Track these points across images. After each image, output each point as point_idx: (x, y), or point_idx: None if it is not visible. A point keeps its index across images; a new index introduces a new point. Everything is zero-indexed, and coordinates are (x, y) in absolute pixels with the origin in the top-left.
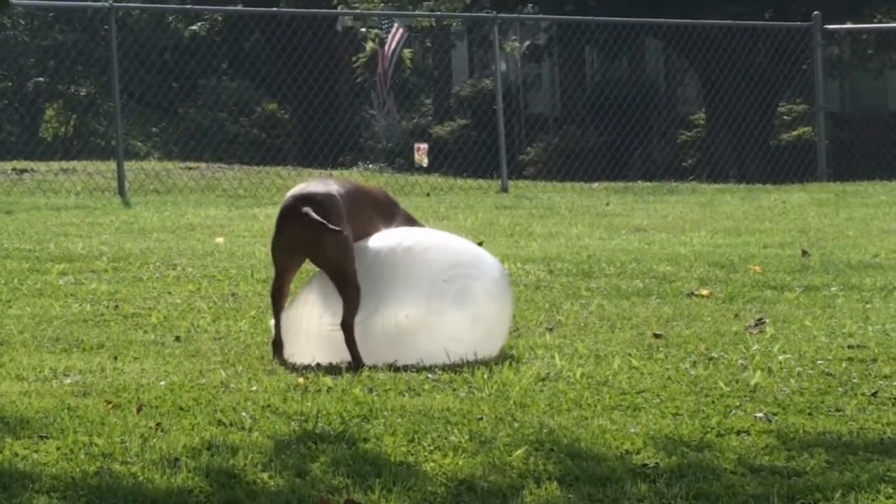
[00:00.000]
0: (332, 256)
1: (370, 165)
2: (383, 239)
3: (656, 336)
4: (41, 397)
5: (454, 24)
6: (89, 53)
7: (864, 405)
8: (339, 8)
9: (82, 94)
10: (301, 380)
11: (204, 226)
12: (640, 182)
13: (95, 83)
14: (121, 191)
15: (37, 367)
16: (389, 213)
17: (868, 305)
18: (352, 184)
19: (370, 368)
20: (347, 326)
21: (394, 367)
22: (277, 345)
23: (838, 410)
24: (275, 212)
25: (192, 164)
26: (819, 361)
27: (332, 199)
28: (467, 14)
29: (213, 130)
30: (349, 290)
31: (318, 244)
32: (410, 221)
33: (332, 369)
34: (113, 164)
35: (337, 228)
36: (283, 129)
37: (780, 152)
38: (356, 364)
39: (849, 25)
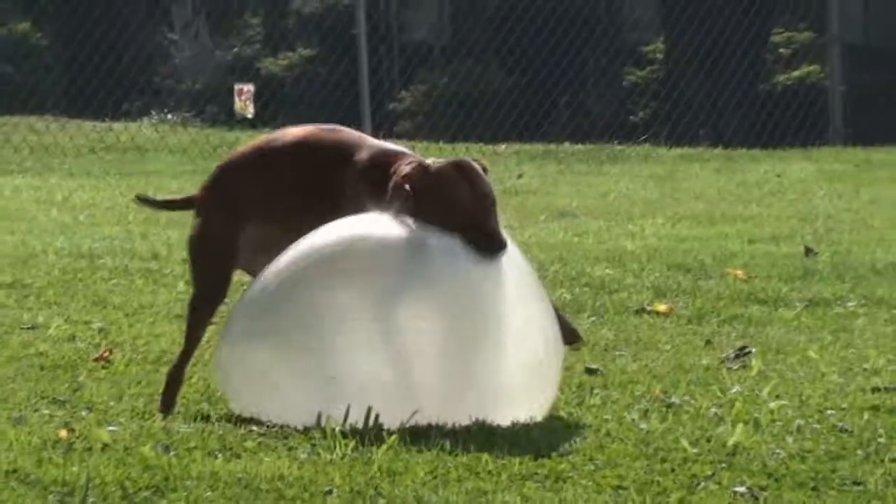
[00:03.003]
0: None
1: (169, 115)
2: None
3: (590, 371)
4: None
5: None
6: None
7: None
8: None
9: None
10: (64, 432)
11: None
12: (567, 144)
13: None
14: None
15: None
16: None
17: None
18: (305, 135)
19: (167, 417)
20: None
21: (202, 416)
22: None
23: (857, 484)
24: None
25: None
26: (829, 411)
27: (231, 165)
28: None
29: None
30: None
31: None
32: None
33: (107, 416)
34: None
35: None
36: (40, 61)
37: (774, 102)
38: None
39: None
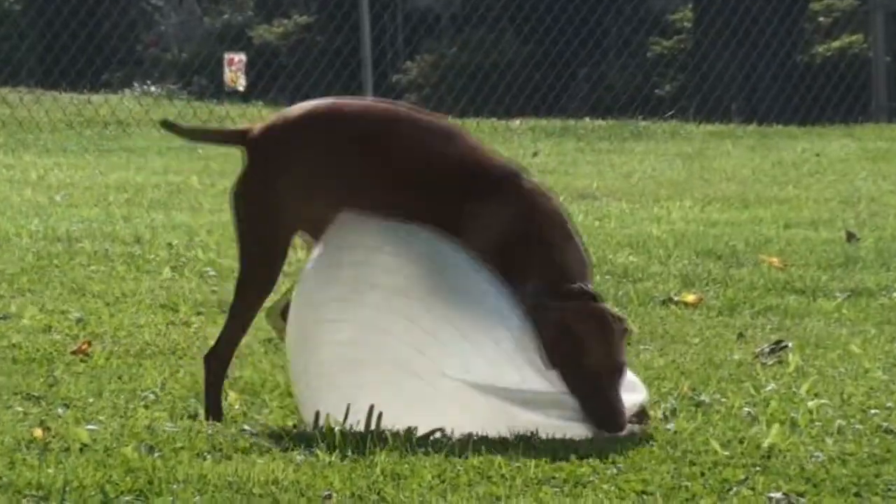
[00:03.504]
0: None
1: (152, 88)
2: None
3: None
4: None
5: None
6: None
7: None
8: None
9: None
10: (39, 431)
11: None
12: (587, 119)
13: None
14: None
15: None
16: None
17: None
18: (375, 107)
19: (153, 418)
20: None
21: (189, 413)
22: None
23: None
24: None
25: None
26: (873, 411)
27: (286, 125)
28: None
29: None
30: (237, 285)
31: None
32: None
33: (86, 413)
34: None
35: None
36: (13, 28)
37: (812, 75)
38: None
39: None
